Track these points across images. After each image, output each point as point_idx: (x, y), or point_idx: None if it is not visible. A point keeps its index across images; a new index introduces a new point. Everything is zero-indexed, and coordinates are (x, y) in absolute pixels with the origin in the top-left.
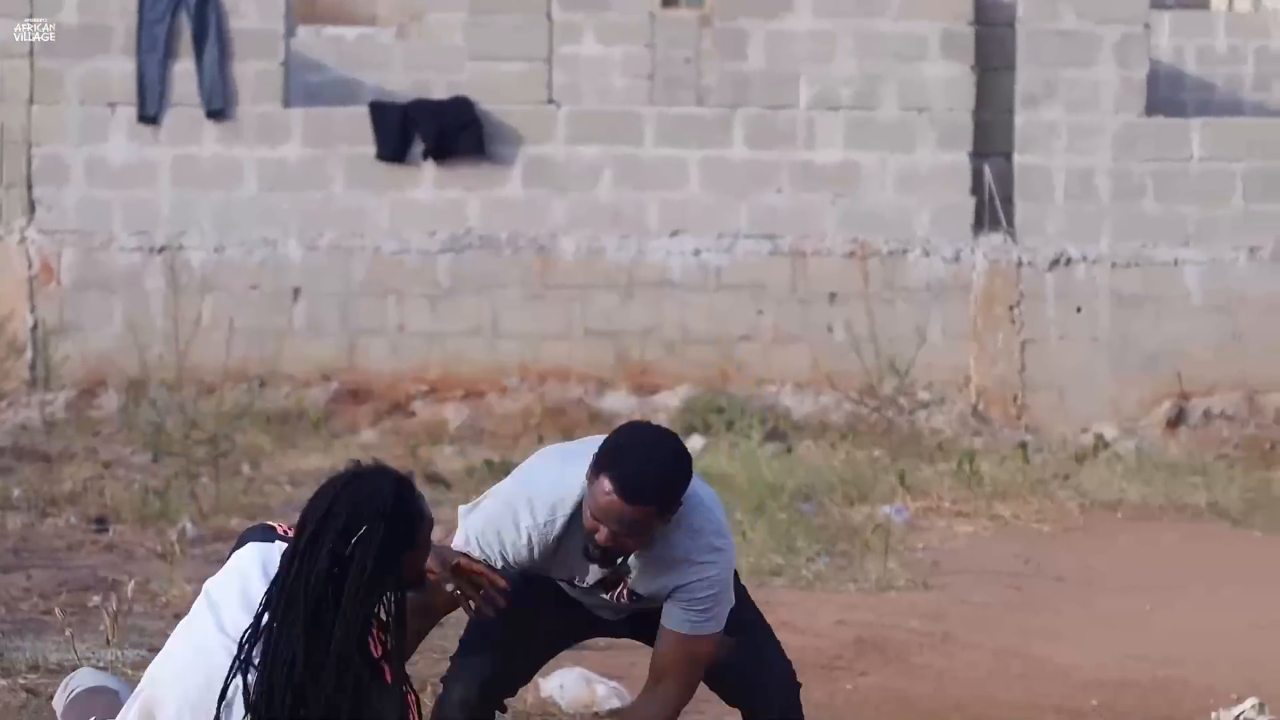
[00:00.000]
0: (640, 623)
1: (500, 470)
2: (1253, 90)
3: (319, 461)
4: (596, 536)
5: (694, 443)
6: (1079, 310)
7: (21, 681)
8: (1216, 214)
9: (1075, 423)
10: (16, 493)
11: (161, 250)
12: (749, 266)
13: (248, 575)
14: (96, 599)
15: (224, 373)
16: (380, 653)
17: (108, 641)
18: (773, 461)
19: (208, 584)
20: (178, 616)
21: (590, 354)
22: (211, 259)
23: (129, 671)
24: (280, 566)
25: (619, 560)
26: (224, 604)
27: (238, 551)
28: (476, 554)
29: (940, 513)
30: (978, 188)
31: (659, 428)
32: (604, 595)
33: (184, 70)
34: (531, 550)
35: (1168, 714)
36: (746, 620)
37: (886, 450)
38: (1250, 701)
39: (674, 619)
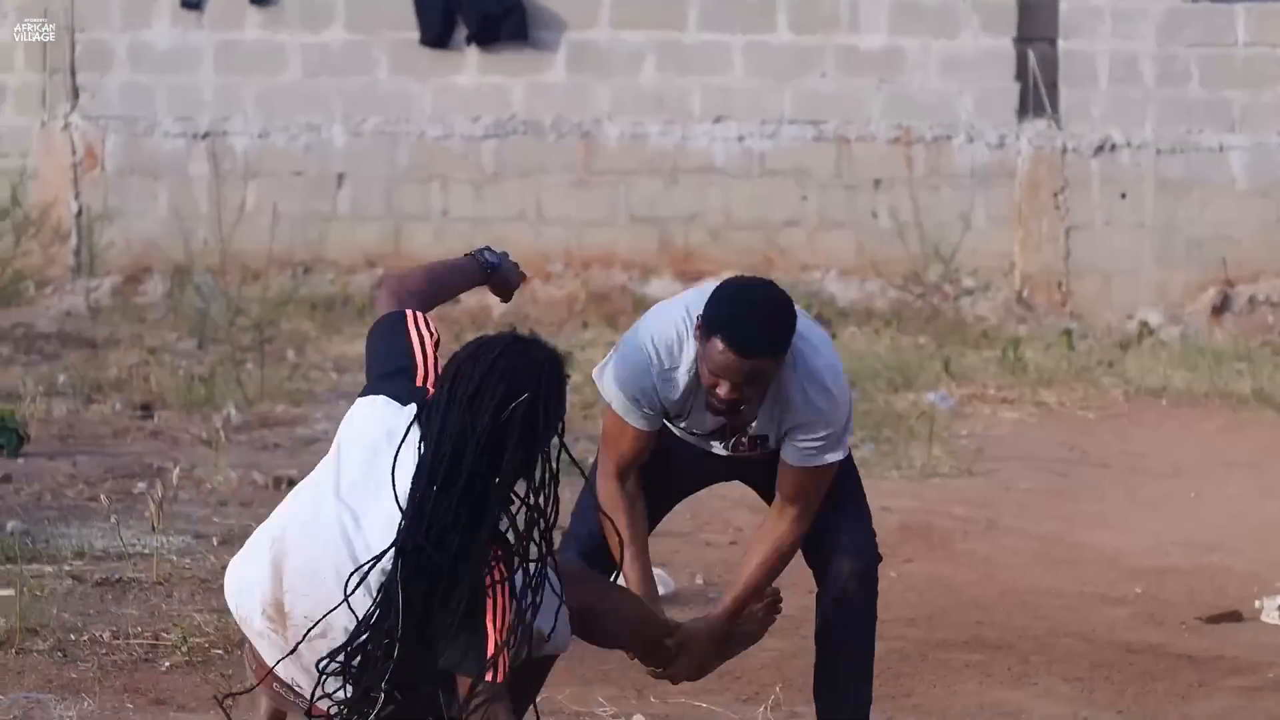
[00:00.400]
0: (747, 471)
1: None
2: None
3: (363, 348)
4: (718, 391)
5: None
6: (1124, 196)
7: (67, 568)
8: (1262, 99)
9: (1120, 309)
10: (62, 379)
11: (205, 136)
12: (793, 152)
13: (377, 440)
14: (142, 486)
15: (268, 259)
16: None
17: (153, 528)
18: None
19: (341, 435)
20: (222, 503)
21: (634, 240)
22: (255, 144)
23: (173, 559)
24: (435, 421)
25: (741, 409)
26: (347, 466)
27: (371, 400)
28: (634, 412)
29: (985, 399)
30: (1022, 73)
31: (757, 279)
32: (723, 446)
33: None
34: (663, 393)
35: (1211, 601)
36: (844, 487)
37: (931, 337)
38: None
39: (794, 456)
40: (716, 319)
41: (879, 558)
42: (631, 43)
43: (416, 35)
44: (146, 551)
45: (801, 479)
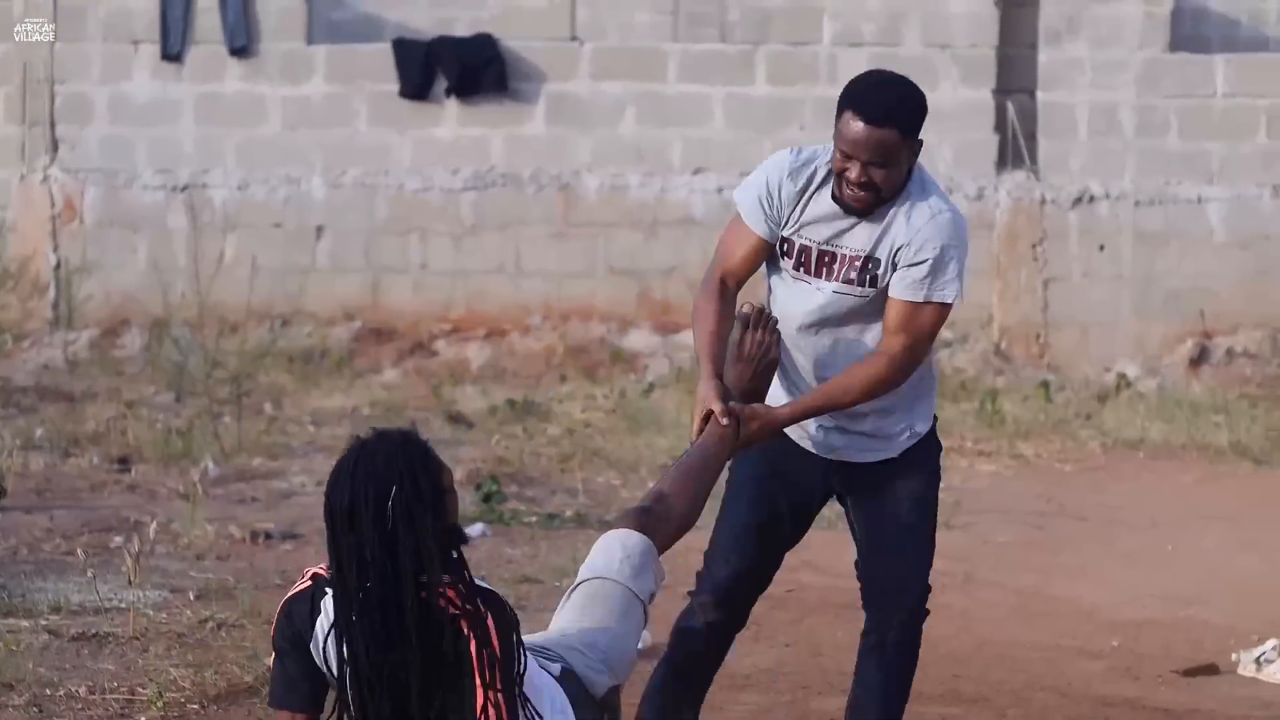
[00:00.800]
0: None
1: (522, 410)
2: (1278, 26)
3: (341, 401)
4: (848, 175)
5: None
6: (1102, 248)
7: (43, 623)
8: (1241, 151)
9: (1098, 361)
10: (39, 433)
11: (184, 188)
12: None
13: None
14: (119, 539)
15: (247, 311)
16: (448, 597)
17: (130, 582)
18: None
19: None
20: (199, 557)
21: (613, 292)
22: (234, 197)
23: (150, 613)
24: (331, 562)
25: (868, 201)
26: None
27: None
28: (752, 203)
29: (963, 452)
30: (1001, 125)
31: (889, 71)
32: (825, 280)
33: (207, 7)
34: (786, 187)
35: (1189, 654)
36: (918, 520)
37: None
38: (1271, 642)
39: (899, 288)
40: (849, 94)
41: (926, 612)
42: (611, 94)
43: (396, 88)
44: (123, 606)
45: (905, 313)
